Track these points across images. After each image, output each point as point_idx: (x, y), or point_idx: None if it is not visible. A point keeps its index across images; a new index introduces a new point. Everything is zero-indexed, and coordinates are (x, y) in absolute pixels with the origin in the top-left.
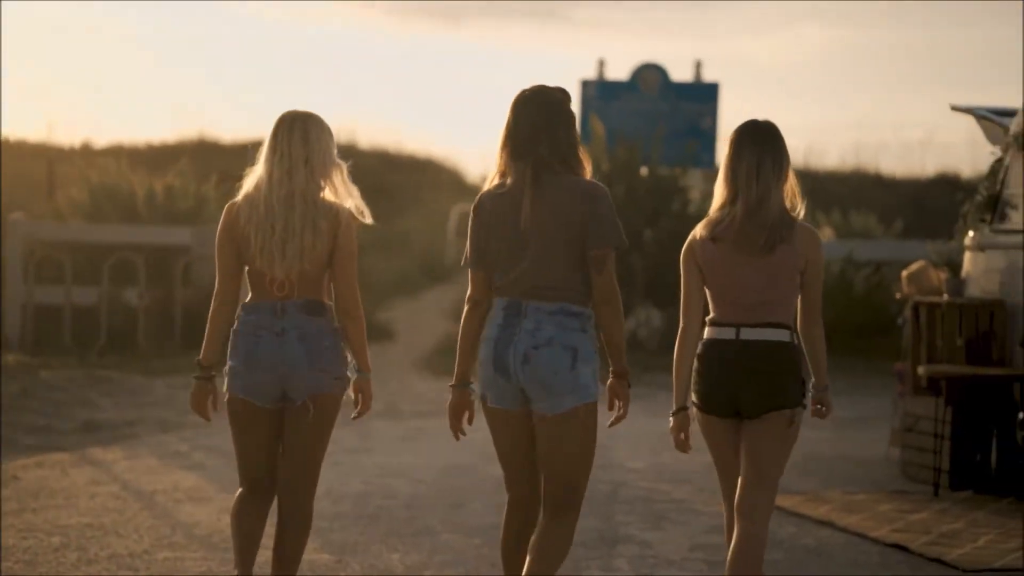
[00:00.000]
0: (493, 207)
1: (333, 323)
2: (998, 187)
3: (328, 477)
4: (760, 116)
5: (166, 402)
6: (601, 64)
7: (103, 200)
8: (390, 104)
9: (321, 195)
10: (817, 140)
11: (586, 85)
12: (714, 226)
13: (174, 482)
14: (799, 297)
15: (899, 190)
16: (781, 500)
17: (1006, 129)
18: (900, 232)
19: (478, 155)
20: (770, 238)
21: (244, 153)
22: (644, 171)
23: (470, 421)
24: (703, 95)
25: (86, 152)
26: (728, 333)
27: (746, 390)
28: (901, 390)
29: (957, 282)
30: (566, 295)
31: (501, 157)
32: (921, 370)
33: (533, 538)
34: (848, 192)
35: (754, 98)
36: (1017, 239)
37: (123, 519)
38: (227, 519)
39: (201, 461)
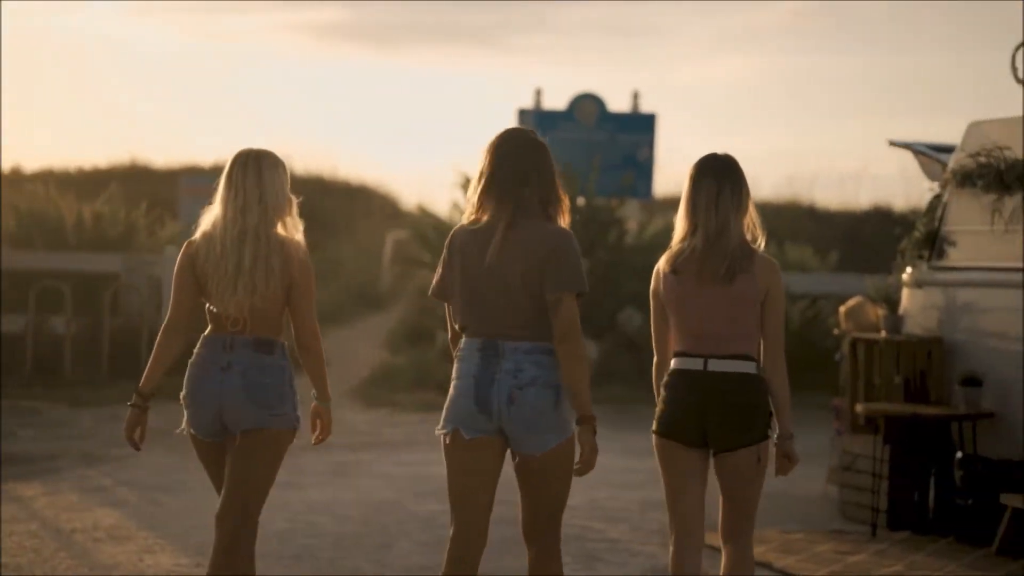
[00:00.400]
0: (463, 242)
1: (282, 360)
2: (936, 224)
3: None
4: (695, 146)
5: (91, 434)
6: (538, 93)
7: (31, 226)
8: (324, 130)
9: (275, 232)
10: (752, 171)
11: (523, 114)
12: (675, 258)
13: (94, 520)
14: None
15: (833, 222)
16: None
17: (944, 165)
18: (835, 265)
19: (414, 182)
20: (730, 268)
21: (175, 180)
22: (581, 202)
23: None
24: (640, 126)
25: (15, 177)
26: (696, 364)
27: (717, 423)
28: (838, 426)
29: (895, 319)
30: (538, 333)
31: (479, 196)
32: (859, 408)
33: (530, 572)
34: (783, 224)
35: (691, 129)
36: (956, 276)
37: (40, 559)
38: (149, 559)
39: (124, 497)
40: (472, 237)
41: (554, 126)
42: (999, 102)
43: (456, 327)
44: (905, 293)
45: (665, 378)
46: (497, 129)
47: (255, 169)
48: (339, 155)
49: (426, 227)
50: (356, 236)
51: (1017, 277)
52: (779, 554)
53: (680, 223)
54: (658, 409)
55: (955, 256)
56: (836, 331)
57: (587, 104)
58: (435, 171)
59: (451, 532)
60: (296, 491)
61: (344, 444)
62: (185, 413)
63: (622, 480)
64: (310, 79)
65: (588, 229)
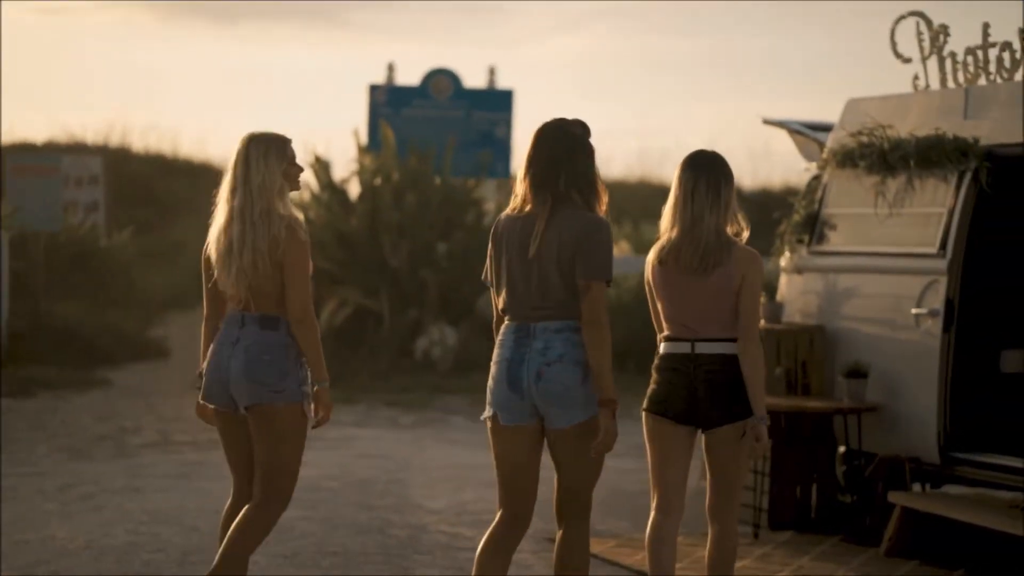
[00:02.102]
0: (506, 230)
1: (286, 337)
2: (816, 206)
3: (88, 525)
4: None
5: None
6: (391, 69)
7: None
8: (165, 108)
9: (262, 211)
10: (607, 148)
11: (375, 90)
12: (660, 249)
13: None
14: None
15: None
16: (593, 545)
17: (821, 145)
18: None
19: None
20: (704, 259)
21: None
22: (437, 181)
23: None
24: (497, 102)
25: None
26: (683, 347)
27: (704, 401)
28: None
29: (774, 306)
30: (568, 313)
31: (523, 185)
32: None
33: (556, 549)
34: (638, 201)
35: (548, 105)
36: (837, 261)
37: None
38: None
39: None
40: (514, 225)
41: (407, 103)
42: (880, 80)
43: (499, 311)
44: (784, 279)
45: (656, 361)
46: (347, 105)
47: (243, 152)
48: (181, 134)
49: None
50: (200, 217)
51: (902, 262)
52: None
53: (665, 215)
54: (649, 389)
55: (836, 240)
56: None
57: (441, 80)
58: None
59: (498, 515)
60: (136, 497)
61: (188, 442)
62: (202, 384)
63: (490, 478)
64: (148, 56)
65: (445, 210)
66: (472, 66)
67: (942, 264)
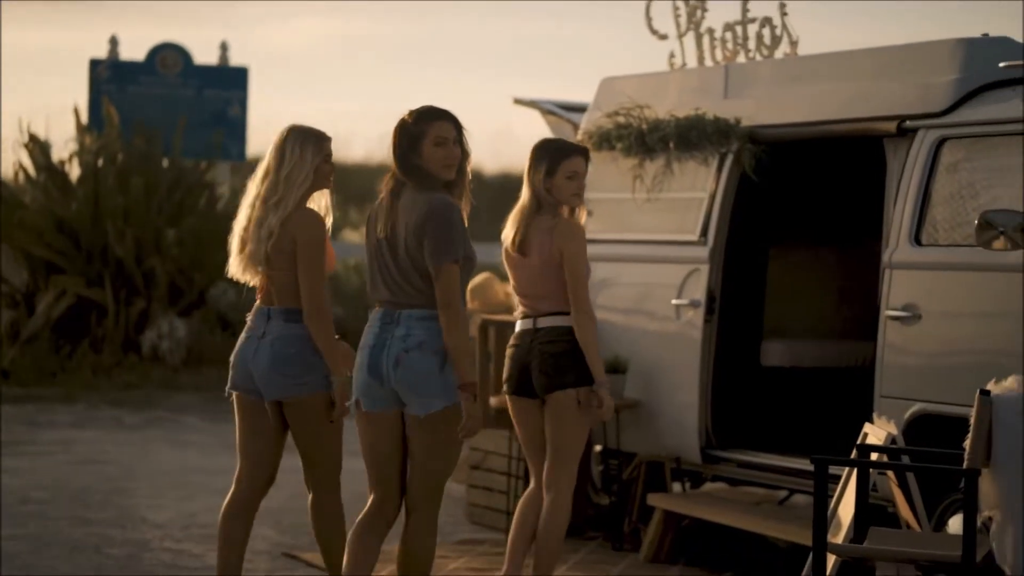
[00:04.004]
0: (372, 215)
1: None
2: None
3: None
4: (291, 107)
5: None
6: (113, 43)
7: None
8: None
9: (281, 201)
10: (343, 130)
11: (95, 65)
12: (504, 234)
13: None
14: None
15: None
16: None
17: (576, 126)
18: None
19: None
20: (518, 237)
21: None
22: (165, 163)
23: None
24: (231, 80)
25: None
26: (527, 324)
27: (535, 371)
28: None
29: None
30: (431, 300)
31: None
32: (493, 401)
33: (402, 536)
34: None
35: (286, 87)
36: (593, 250)
37: None
38: None
39: None
40: (377, 210)
41: (133, 80)
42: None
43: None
44: None
45: (511, 339)
46: (70, 85)
47: (280, 141)
48: None
49: None
50: None
51: (662, 250)
52: None
53: None
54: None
55: (593, 227)
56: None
57: (169, 55)
58: None
59: (368, 499)
60: None
61: None
62: (230, 375)
63: (223, 485)
64: None
65: (174, 193)
66: (203, 45)
67: (703, 252)
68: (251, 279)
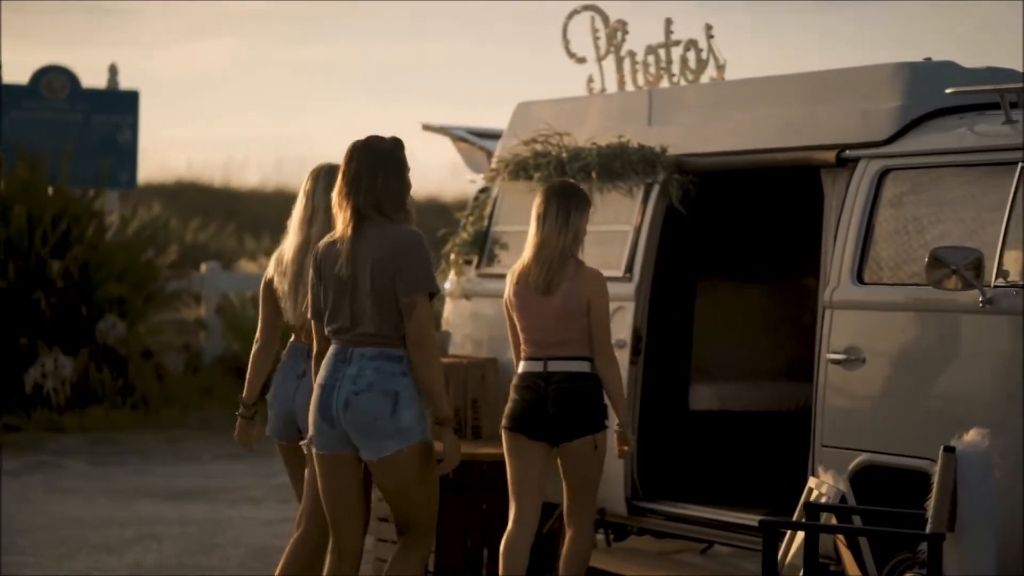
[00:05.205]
0: (324, 255)
1: None
2: (486, 223)
3: None
4: (183, 133)
5: None
6: None
7: None
8: None
9: None
10: (242, 156)
11: None
12: (515, 271)
13: None
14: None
15: None
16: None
17: (490, 153)
18: None
19: None
20: (548, 279)
21: None
22: (51, 191)
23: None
24: (120, 105)
25: None
26: (537, 366)
27: (554, 417)
28: None
29: (439, 336)
30: (384, 340)
31: (335, 206)
32: None
33: (393, 556)
34: (275, 213)
35: (176, 112)
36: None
37: None
38: None
39: None
40: (331, 249)
41: (16, 104)
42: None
43: (319, 343)
44: (449, 305)
45: (514, 380)
46: None
47: (327, 180)
48: None
49: None
50: None
51: None
52: None
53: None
54: (507, 407)
55: (509, 261)
56: None
57: (56, 78)
58: None
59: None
60: None
61: None
62: (268, 416)
63: (104, 540)
64: None
65: (59, 223)
66: (90, 68)
67: (629, 289)
68: (298, 321)
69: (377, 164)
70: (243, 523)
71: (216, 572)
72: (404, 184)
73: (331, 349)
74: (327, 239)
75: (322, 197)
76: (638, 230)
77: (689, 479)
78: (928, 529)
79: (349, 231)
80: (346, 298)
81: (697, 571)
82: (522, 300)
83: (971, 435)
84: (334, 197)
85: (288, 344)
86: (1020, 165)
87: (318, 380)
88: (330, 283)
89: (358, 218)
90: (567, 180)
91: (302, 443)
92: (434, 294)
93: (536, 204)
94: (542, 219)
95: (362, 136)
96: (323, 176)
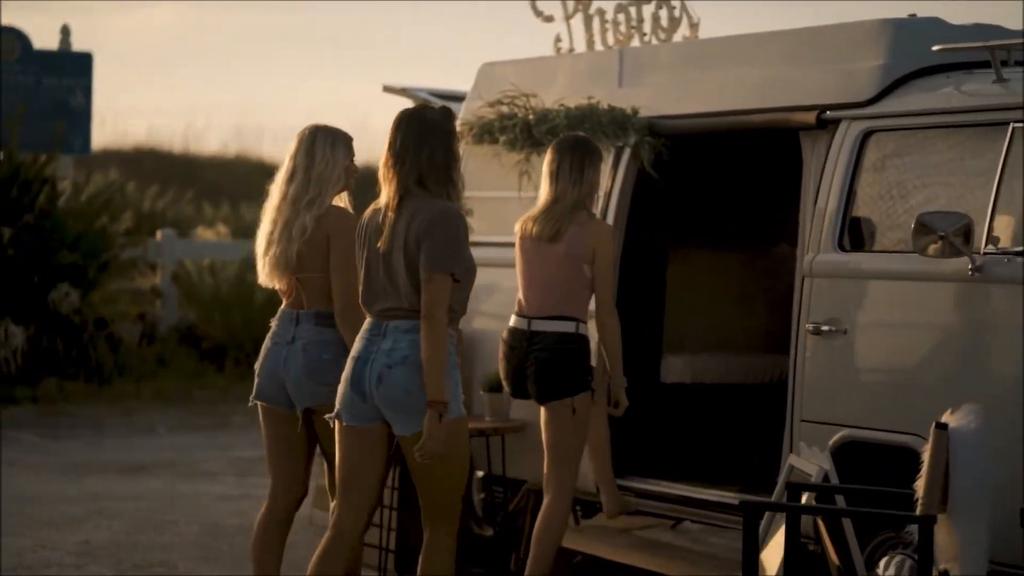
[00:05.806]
0: (368, 223)
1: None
2: None
3: None
4: (139, 97)
5: None
6: None
7: None
8: None
9: (313, 200)
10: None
11: None
12: (524, 220)
13: None
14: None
15: None
16: None
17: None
18: None
19: None
20: (556, 226)
21: None
22: (1, 156)
23: None
24: (74, 67)
25: None
26: (522, 323)
27: (531, 379)
28: None
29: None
30: (419, 314)
31: (380, 175)
32: None
33: (421, 555)
34: (235, 180)
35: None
36: (474, 253)
37: None
38: None
39: None
40: (374, 218)
41: None
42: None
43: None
44: None
45: (503, 334)
46: None
47: (308, 141)
48: None
49: None
50: None
51: None
52: None
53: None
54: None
55: (474, 227)
56: None
57: (5, 39)
58: None
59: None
60: None
61: None
62: (255, 383)
63: (56, 515)
64: None
65: (9, 190)
66: (40, 29)
67: None
68: (279, 283)
69: (424, 136)
70: (197, 498)
71: (168, 549)
72: (451, 156)
73: (366, 322)
74: (372, 207)
75: (303, 158)
76: (608, 195)
77: (661, 453)
78: (918, 511)
79: (395, 202)
80: (382, 271)
81: (668, 550)
82: (524, 248)
83: (963, 411)
84: (380, 167)
85: (279, 311)
86: (1012, 126)
87: (353, 353)
88: (371, 252)
89: (405, 190)
90: (578, 134)
91: (327, 416)
92: (452, 274)
93: (548, 160)
94: (555, 175)
95: (325, 104)
96: (306, 138)
